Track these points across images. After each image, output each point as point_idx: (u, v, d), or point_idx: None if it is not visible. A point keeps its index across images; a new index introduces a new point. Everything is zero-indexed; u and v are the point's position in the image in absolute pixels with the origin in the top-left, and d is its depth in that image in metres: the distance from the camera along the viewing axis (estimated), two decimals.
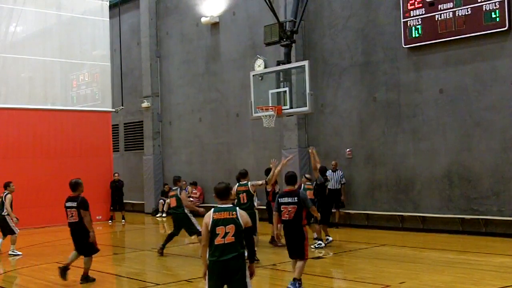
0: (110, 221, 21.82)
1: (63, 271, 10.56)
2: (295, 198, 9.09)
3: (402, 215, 16.24)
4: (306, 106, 15.11)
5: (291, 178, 9.43)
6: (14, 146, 20.24)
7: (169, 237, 13.74)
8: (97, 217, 21.79)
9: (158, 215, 23.18)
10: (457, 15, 14.82)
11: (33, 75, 21.94)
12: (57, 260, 13.26)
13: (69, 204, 10.54)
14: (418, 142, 15.99)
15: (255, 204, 12.99)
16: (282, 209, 9.14)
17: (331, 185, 16.63)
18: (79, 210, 10.43)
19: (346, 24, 17.66)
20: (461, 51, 15.07)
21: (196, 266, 12.02)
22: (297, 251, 9.13)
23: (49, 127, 21.13)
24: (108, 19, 23.05)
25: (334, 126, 18.00)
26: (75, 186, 10.65)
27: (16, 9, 21.51)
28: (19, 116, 20.60)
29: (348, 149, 17.53)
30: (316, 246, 13.28)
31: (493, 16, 14.18)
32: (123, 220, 21.28)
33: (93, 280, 10.62)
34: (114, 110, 23.08)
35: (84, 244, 10.48)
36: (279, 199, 9.27)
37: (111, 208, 21.94)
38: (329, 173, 17.03)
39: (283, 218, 9.17)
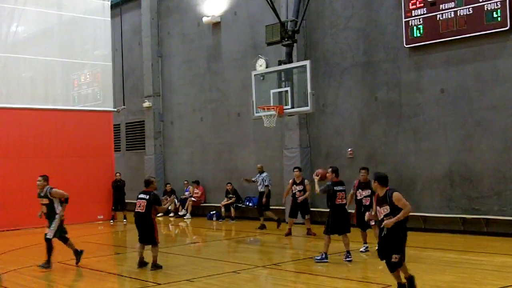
0: (111, 220, 21.82)
1: (141, 264, 11.82)
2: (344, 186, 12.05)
3: None
4: (308, 105, 15.14)
5: (338, 171, 12.25)
6: (15, 146, 20.24)
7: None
8: (98, 217, 21.86)
9: (159, 215, 23.16)
10: (458, 14, 14.81)
11: (35, 75, 21.95)
12: (58, 259, 13.28)
13: (141, 196, 11.82)
14: (419, 142, 15.98)
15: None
16: (336, 195, 11.75)
17: (261, 187, 18.20)
18: (150, 204, 11.61)
19: (348, 24, 17.66)
20: (462, 50, 15.06)
21: (198, 266, 12.06)
22: (347, 227, 11.87)
23: (50, 127, 21.13)
24: (110, 19, 23.03)
25: (335, 125, 18.00)
26: (147, 182, 12.08)
27: (17, 9, 21.50)
28: (20, 116, 20.58)
29: (349, 149, 17.53)
30: None
31: (495, 16, 14.17)
32: (124, 220, 21.29)
33: (161, 267, 11.58)
34: (115, 110, 23.09)
35: (147, 235, 11.67)
36: (334, 187, 11.81)
37: (113, 208, 21.94)
38: (256, 176, 18.34)
39: (336, 203, 11.78)
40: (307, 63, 15.37)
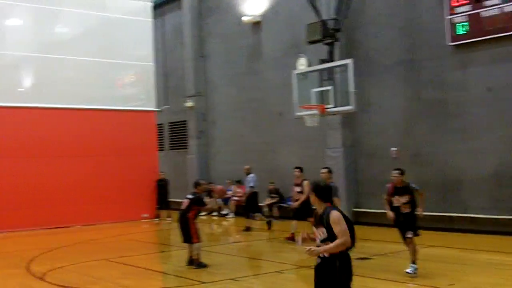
0: (156, 219, 22.05)
1: (189, 263, 11.98)
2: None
3: (450, 215, 15.96)
4: (350, 104, 15.03)
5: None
6: (61, 145, 20.59)
7: None
8: (143, 215, 22.09)
9: (202, 213, 23.29)
10: (504, 11, 14.53)
11: (79, 76, 22.26)
12: (104, 257, 13.51)
13: (187, 196, 12.42)
14: (465, 141, 15.70)
15: None
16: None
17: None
18: (191, 204, 12.05)
19: (390, 22, 17.48)
20: (509, 48, 14.74)
21: (241, 265, 12.12)
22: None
23: (95, 127, 21.44)
24: (152, 20, 23.26)
25: (378, 125, 17.83)
26: (196, 184, 12.60)
27: (62, 10, 21.87)
28: (65, 116, 20.95)
29: (393, 149, 17.33)
30: None
31: None
32: (168, 218, 21.49)
33: (205, 266, 11.79)
34: (158, 109, 23.30)
35: (184, 233, 12.03)
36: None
37: (157, 206, 22.17)
38: (245, 178, 19.34)
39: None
40: (349, 61, 15.27)
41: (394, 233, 11.39)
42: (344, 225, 5.89)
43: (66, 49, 21.85)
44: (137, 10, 23.10)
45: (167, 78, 23.95)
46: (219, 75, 24.05)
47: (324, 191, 6.15)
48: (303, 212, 14.56)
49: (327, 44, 16.41)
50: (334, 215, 5.92)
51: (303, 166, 18.57)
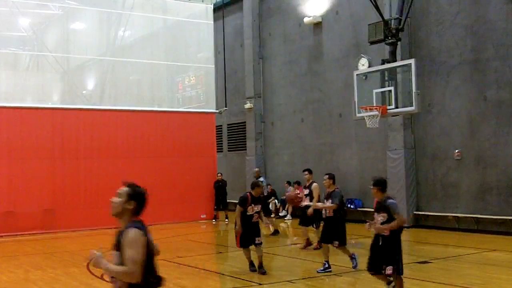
0: (213, 220, 22.14)
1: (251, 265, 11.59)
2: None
3: None
4: (413, 105, 14.69)
5: None
6: (122, 147, 20.93)
7: None
8: (201, 216, 22.23)
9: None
10: None
11: (141, 78, 22.65)
12: (162, 257, 13.48)
13: None
14: None
15: None
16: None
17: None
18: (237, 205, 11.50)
19: (454, 21, 17.03)
20: None
21: (298, 267, 11.97)
22: None
23: (156, 128, 21.71)
24: (212, 22, 23.42)
25: (442, 126, 17.40)
26: (252, 185, 11.72)
27: (125, 14, 22.28)
28: (127, 118, 21.28)
29: (457, 150, 16.88)
30: None
31: None
32: (226, 220, 21.54)
33: (255, 270, 11.34)
34: (218, 111, 23.43)
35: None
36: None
37: (215, 207, 22.26)
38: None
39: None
40: (411, 61, 14.94)
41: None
42: (139, 254, 4.34)
43: (130, 52, 22.28)
44: (198, 13, 23.32)
45: (226, 80, 24.01)
46: (278, 77, 23.98)
47: (138, 196, 4.67)
48: (310, 217, 14.03)
49: (389, 44, 16.10)
50: (132, 234, 4.38)
51: (363, 168, 18.33)
